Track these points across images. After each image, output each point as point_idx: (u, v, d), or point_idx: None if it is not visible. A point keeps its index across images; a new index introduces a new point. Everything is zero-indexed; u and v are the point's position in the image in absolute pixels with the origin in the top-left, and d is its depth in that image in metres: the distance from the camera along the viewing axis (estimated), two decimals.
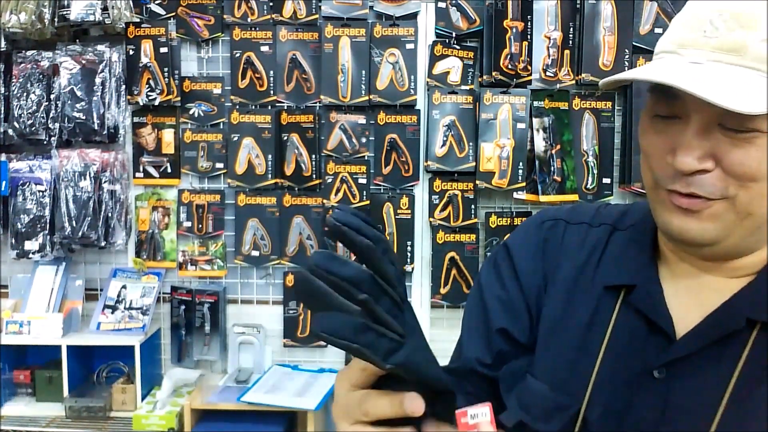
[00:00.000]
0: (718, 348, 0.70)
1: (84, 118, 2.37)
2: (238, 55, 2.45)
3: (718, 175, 0.66)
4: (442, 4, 2.39)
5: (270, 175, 2.47)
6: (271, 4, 2.43)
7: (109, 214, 2.42)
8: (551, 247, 0.85)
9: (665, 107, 0.68)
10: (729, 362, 0.69)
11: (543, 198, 2.36)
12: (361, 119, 2.44)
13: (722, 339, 0.70)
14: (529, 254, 0.85)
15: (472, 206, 2.42)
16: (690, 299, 0.74)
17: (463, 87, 2.41)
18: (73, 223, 2.37)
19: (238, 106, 2.47)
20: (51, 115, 2.39)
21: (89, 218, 2.38)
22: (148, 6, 2.45)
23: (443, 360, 0.78)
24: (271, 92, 2.46)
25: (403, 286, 0.57)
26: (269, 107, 2.46)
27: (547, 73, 2.39)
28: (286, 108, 2.47)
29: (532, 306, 0.84)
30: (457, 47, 2.41)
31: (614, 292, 0.78)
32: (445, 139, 2.40)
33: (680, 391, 0.71)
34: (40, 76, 2.39)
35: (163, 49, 2.44)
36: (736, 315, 0.70)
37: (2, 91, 2.42)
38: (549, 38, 2.38)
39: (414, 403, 0.55)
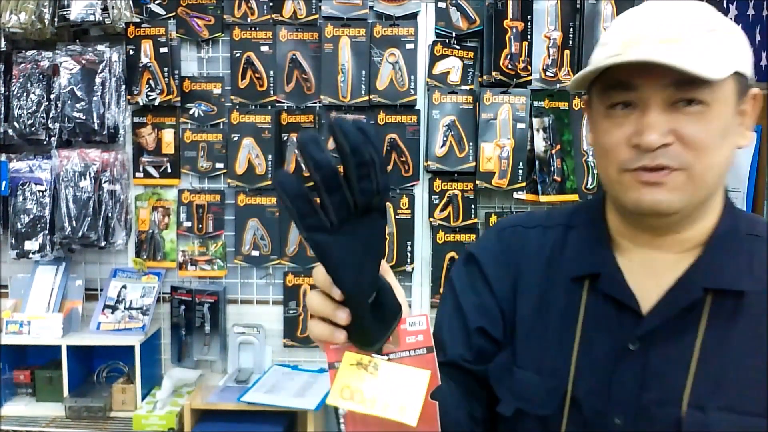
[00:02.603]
0: (683, 317, 0.81)
1: (84, 118, 2.37)
2: (238, 55, 2.45)
3: (677, 148, 0.76)
4: (442, 4, 2.39)
5: (270, 175, 2.46)
6: (271, 4, 2.43)
7: (109, 214, 2.42)
8: (513, 252, 0.95)
9: (622, 96, 0.78)
10: (693, 328, 0.80)
11: (543, 198, 2.36)
12: (361, 119, 2.44)
13: (685, 309, 0.81)
14: (495, 262, 0.95)
15: (472, 206, 2.42)
16: (648, 279, 0.84)
17: (463, 87, 2.41)
18: (73, 223, 2.37)
19: (238, 106, 2.47)
20: (51, 115, 2.39)
21: (89, 218, 2.38)
22: (148, 6, 2.45)
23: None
24: (271, 92, 2.46)
25: (370, 198, 0.60)
26: (269, 107, 2.46)
27: (547, 73, 2.39)
28: (286, 108, 2.47)
29: (504, 307, 0.93)
30: (457, 47, 2.41)
31: (580, 282, 0.88)
32: (445, 139, 2.40)
33: (655, 359, 0.81)
34: (40, 76, 2.39)
35: (163, 49, 2.44)
36: (693, 287, 0.81)
37: (2, 91, 2.42)
38: (549, 38, 2.38)
39: (340, 314, 0.65)
